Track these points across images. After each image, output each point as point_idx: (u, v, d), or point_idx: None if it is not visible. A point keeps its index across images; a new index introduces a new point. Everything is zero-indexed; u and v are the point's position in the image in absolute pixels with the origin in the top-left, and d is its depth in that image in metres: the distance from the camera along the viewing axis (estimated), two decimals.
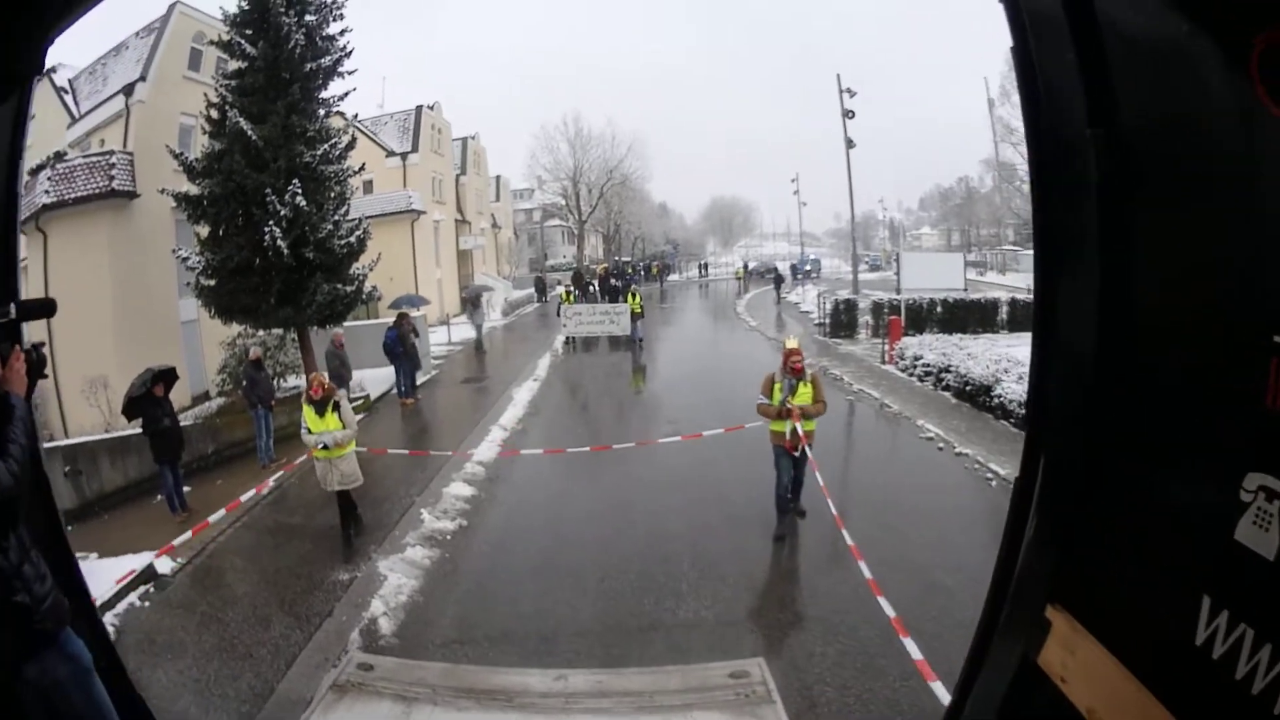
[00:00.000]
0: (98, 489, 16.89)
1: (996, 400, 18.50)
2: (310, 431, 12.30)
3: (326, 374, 19.78)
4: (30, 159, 28.58)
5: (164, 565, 12.04)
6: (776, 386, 11.86)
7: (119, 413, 20.68)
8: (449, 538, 13.22)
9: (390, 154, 48.91)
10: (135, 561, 11.84)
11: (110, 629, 9.70)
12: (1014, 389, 17.87)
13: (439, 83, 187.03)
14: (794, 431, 11.62)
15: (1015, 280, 58.74)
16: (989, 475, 14.64)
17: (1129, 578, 2.70)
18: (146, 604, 11.11)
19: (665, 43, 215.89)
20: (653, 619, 9.95)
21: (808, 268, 74.92)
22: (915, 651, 7.44)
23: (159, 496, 16.35)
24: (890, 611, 8.06)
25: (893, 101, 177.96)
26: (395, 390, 24.91)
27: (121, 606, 10.76)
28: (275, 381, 22.49)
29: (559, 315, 36.34)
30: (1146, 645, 2.55)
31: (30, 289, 26.25)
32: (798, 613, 10.02)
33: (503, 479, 16.48)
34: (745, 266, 76.42)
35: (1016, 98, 34.96)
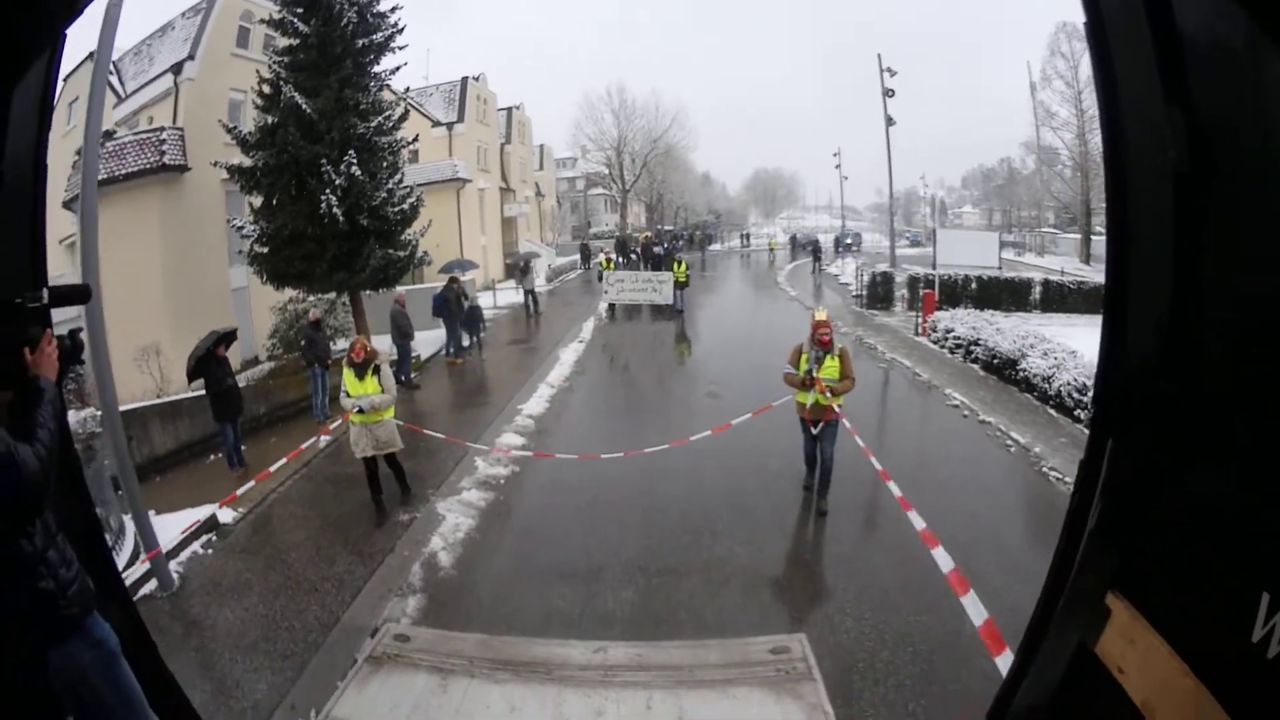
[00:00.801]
0: (148, 453, 17.25)
1: (1021, 374, 18.97)
2: (348, 395, 12.22)
3: (391, 332, 20.73)
4: (79, 140, 29.84)
5: (226, 515, 12.74)
6: (804, 357, 11.61)
7: (169, 378, 21.54)
8: (502, 482, 13.91)
9: (436, 124, 49.32)
10: (195, 515, 12.49)
11: (175, 576, 10.71)
12: (1038, 364, 18.35)
13: (483, 53, 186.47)
14: (815, 404, 11.49)
15: (1052, 262, 59.34)
16: (1009, 443, 15.25)
17: (1190, 570, 2.72)
18: (210, 551, 11.78)
19: (713, 13, 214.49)
20: (689, 555, 10.64)
21: (849, 241, 74.64)
22: (946, 561, 7.72)
23: (212, 456, 17.34)
24: (920, 524, 8.44)
25: (939, 79, 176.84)
26: (444, 351, 25.51)
27: (184, 555, 11.47)
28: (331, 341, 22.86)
29: (600, 282, 36.43)
30: (1204, 639, 2.60)
31: (80, 263, 27.54)
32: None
33: (550, 431, 17.24)
34: (792, 239, 76.11)
35: (1058, 83, 35.09)
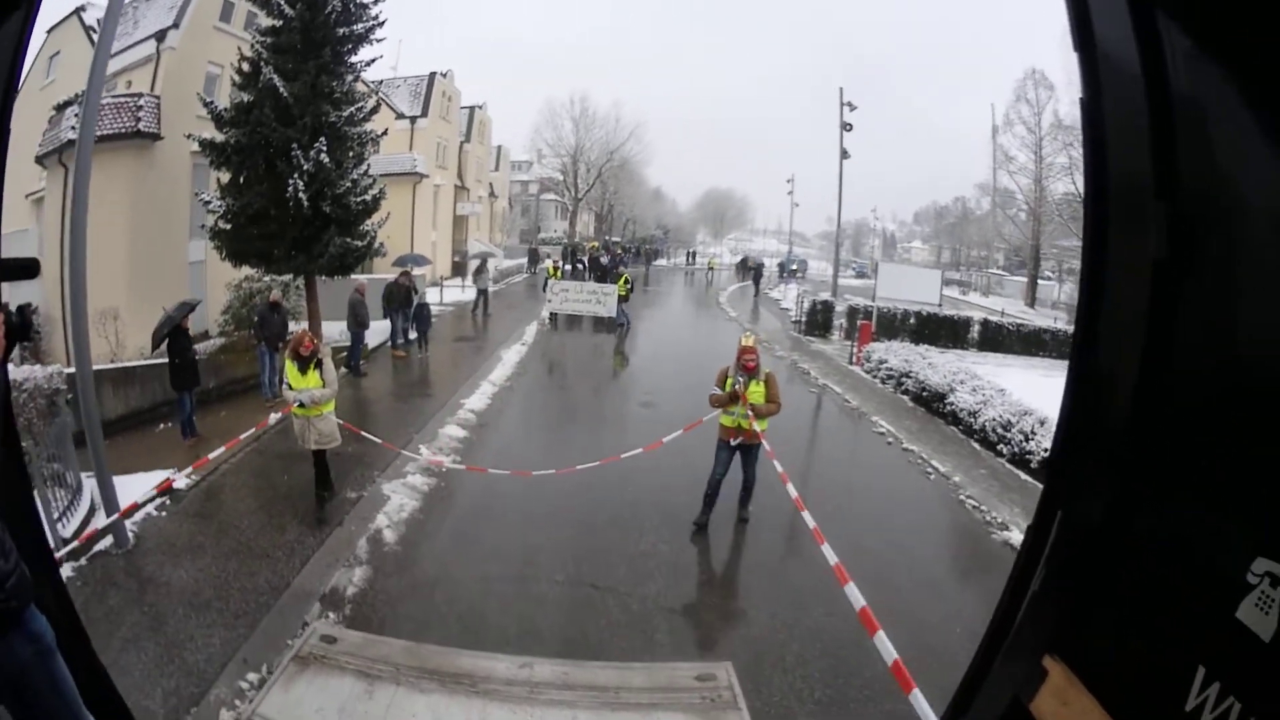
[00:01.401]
0: (99, 416, 17.40)
1: (949, 407, 19.72)
2: (290, 387, 12.06)
3: (347, 319, 21.17)
4: (56, 95, 29.53)
5: (179, 482, 12.95)
6: (729, 381, 11.79)
7: (124, 344, 21.83)
8: (443, 470, 14.41)
9: (400, 116, 49.48)
10: (148, 479, 12.83)
11: (130, 535, 11.07)
12: (966, 399, 19.12)
13: (452, 47, 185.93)
14: (738, 426, 11.62)
15: (997, 303, 60.48)
16: (929, 470, 15.98)
17: (1130, 638, 2.79)
18: (164, 514, 12.10)
19: (675, 32, 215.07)
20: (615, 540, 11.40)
21: (794, 267, 74.98)
22: (857, 598, 7.33)
23: (161, 425, 17.82)
24: (833, 559, 8.06)
25: (900, 109, 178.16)
26: (389, 342, 25.81)
27: (138, 516, 11.72)
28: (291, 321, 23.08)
29: (544, 290, 36.53)
30: (1138, 705, 2.67)
31: (49, 220, 27.57)
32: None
33: (490, 425, 17.88)
34: (742, 261, 76.60)
35: (1019, 128, 36.16)
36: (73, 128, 25.65)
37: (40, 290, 27.32)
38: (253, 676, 7.96)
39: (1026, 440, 16.48)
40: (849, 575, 7.21)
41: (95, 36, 30.17)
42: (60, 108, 27.77)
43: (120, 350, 22.59)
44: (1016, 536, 12.52)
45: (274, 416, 15.60)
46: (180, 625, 8.83)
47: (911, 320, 33.65)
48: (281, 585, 9.84)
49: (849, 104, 39.24)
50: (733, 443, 11.77)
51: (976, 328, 35.32)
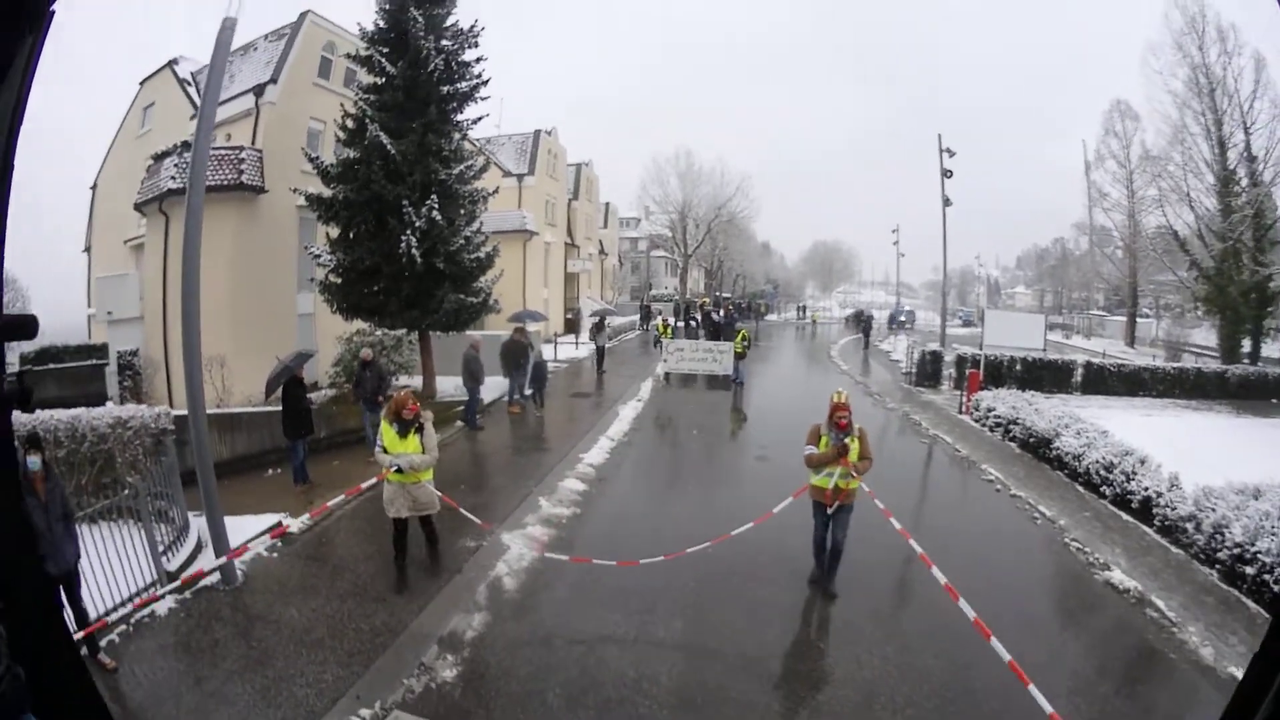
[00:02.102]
0: (211, 457, 17.85)
1: (1055, 452, 19.57)
2: (386, 451, 11.40)
3: (462, 375, 21.64)
4: (152, 144, 30.73)
5: (292, 526, 13.36)
6: (823, 439, 11.30)
7: (230, 390, 22.48)
8: (564, 521, 14.74)
9: (507, 174, 50.11)
10: (257, 521, 13.44)
11: (239, 574, 11.55)
12: (1071, 443, 18.95)
13: (553, 105, 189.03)
14: (836, 487, 11.15)
15: (1098, 345, 59.99)
16: (1036, 515, 15.97)
17: None
18: (274, 555, 12.58)
19: (777, 85, 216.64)
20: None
21: (902, 318, 75.27)
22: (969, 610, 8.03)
23: (270, 470, 18.40)
24: (971, 613, 8.32)
25: (999, 151, 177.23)
26: (507, 398, 25.85)
27: (248, 555, 12.14)
28: (391, 378, 22.92)
29: (655, 347, 36.79)
30: None
31: (149, 266, 28.98)
32: None
33: (609, 479, 18.00)
34: (858, 314, 75.80)
35: (1109, 163, 35.99)
36: (173, 177, 26.89)
37: (141, 334, 28.18)
38: (365, 713, 8.23)
39: (1128, 480, 16.32)
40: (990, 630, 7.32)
41: (191, 90, 31.72)
42: (159, 157, 28.71)
43: (227, 396, 23.19)
44: (1117, 576, 12.75)
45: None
46: (290, 661, 9.16)
47: (1018, 367, 33.46)
48: (399, 627, 10.09)
49: (948, 150, 39.01)
50: (829, 507, 11.34)
51: (1080, 371, 35.04)
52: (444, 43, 25.21)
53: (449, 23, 25.59)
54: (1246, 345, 43.88)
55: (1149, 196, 49.35)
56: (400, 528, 11.85)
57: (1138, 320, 64.94)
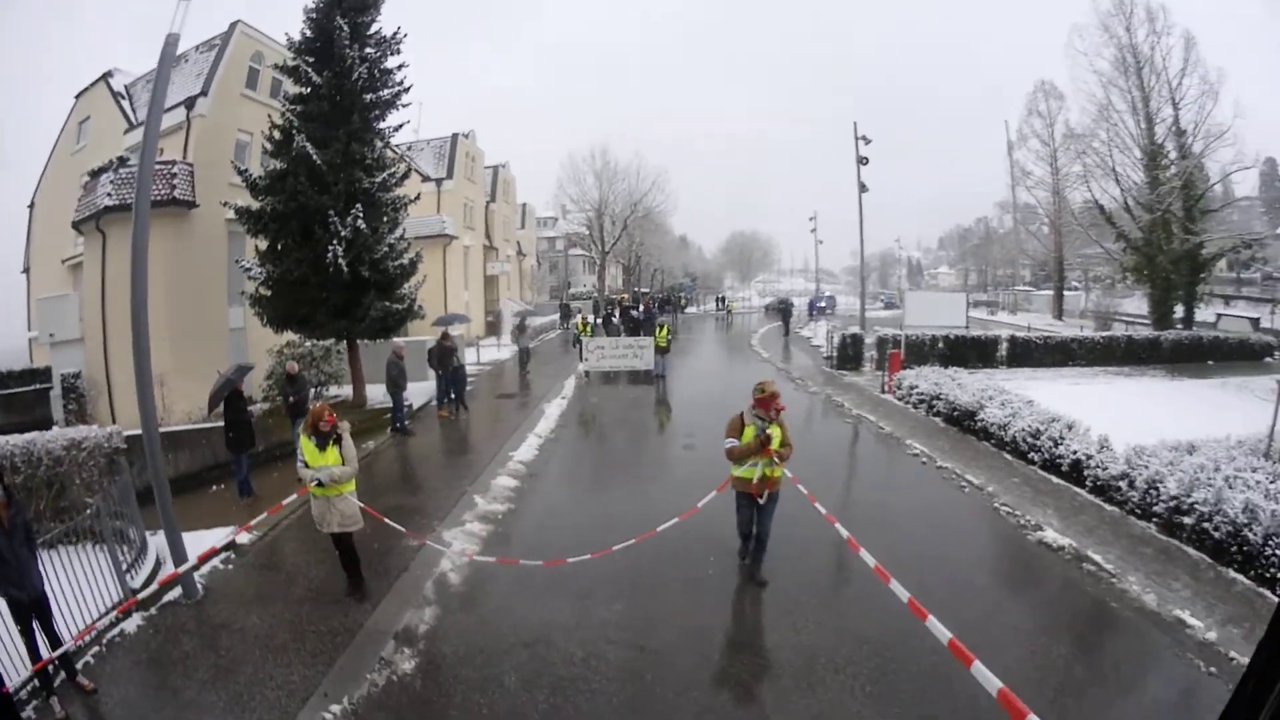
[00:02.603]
0: (145, 479, 18.00)
1: (980, 424, 20.29)
2: (307, 465, 11.24)
3: (386, 382, 21.94)
4: (88, 160, 30.53)
5: (242, 538, 13.72)
6: (747, 429, 11.18)
7: (170, 408, 22.50)
8: (500, 516, 15.17)
9: (426, 179, 50.35)
10: (210, 535, 13.50)
11: (199, 587, 11.84)
12: (996, 414, 19.69)
13: (469, 105, 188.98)
14: (763, 476, 11.12)
15: (1024, 319, 60.99)
16: (964, 484, 16.64)
17: None
18: (229, 567, 12.84)
19: (698, 81, 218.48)
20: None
21: (822, 304, 76.10)
22: (901, 592, 7.73)
23: (214, 487, 18.46)
24: (871, 561, 8.52)
25: (922, 138, 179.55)
26: (434, 401, 26.53)
27: (205, 569, 12.47)
28: (319, 389, 24.24)
29: (575, 345, 37.16)
30: None
31: (88, 284, 28.67)
32: None
33: (540, 475, 18.48)
34: (780, 304, 75.81)
35: (1034, 141, 37.19)
36: (109, 194, 26.98)
37: (82, 355, 28.11)
38: (335, 709, 8.56)
39: (1056, 445, 17.02)
40: (925, 609, 7.21)
41: (125, 104, 31.45)
42: (94, 174, 28.61)
43: (168, 414, 23.11)
44: (1050, 535, 13.41)
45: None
46: (258, 666, 9.45)
47: (940, 345, 34.23)
48: (355, 627, 10.45)
49: (864, 138, 39.55)
50: (759, 498, 11.31)
51: (1005, 345, 35.95)
52: (368, 50, 25.43)
53: (372, 30, 25.80)
54: (1180, 312, 45.06)
55: (1074, 173, 49.93)
56: (337, 542, 11.77)
57: (1064, 294, 66.74)
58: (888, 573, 8.06)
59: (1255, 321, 48.97)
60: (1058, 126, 54.84)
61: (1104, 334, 43.41)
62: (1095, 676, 9.11)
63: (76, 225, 29.60)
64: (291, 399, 19.93)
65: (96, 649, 10.16)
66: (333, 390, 27.12)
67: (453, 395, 26.40)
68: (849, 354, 36.11)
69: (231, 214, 25.40)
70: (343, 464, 11.21)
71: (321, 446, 11.20)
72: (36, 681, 9.03)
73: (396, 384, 23.21)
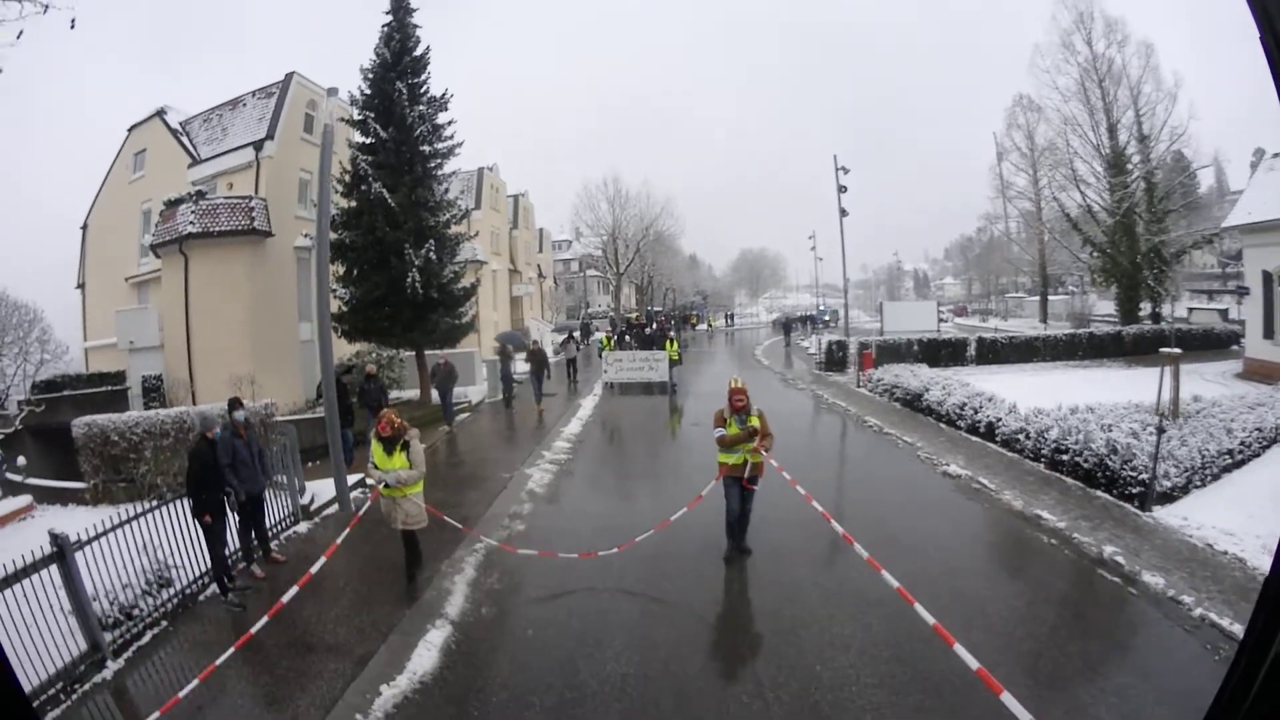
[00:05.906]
0: (339, 429, 18.99)
1: (924, 404, 25.46)
2: (376, 467, 11.90)
3: (433, 384, 26.56)
4: (147, 189, 34.65)
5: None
6: (729, 421, 12.26)
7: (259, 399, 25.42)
8: (563, 462, 20.78)
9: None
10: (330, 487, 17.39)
11: (352, 504, 16.21)
12: (936, 394, 24.82)
13: (486, 135, 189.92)
14: (747, 461, 12.14)
15: (1015, 325, 65.21)
16: (899, 443, 21.71)
17: None
18: (363, 495, 16.56)
19: (707, 103, 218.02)
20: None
21: (826, 318, 77.88)
22: (862, 551, 9.31)
23: (315, 462, 21.78)
24: (839, 529, 10.17)
25: (933, 148, 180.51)
26: (500, 398, 31.66)
27: (354, 493, 16.91)
28: (389, 392, 27.25)
29: (600, 358, 40.19)
30: None
31: (169, 301, 32.69)
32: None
33: (585, 443, 23.97)
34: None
35: (1015, 155, 47.85)
36: (191, 223, 30.27)
37: (162, 360, 32.19)
38: (457, 578, 12.37)
39: (976, 414, 21.78)
40: (880, 565, 9.04)
41: (185, 140, 35.09)
42: (170, 204, 31.67)
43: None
44: (954, 468, 18.12)
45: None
46: (399, 551, 12.67)
47: (915, 347, 37.97)
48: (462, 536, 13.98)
49: (844, 168, 43.16)
50: (745, 480, 12.31)
51: (973, 345, 39.87)
52: (420, 108, 29.92)
53: (423, 91, 30.62)
54: (1148, 309, 48.16)
55: (1052, 183, 52.61)
56: (407, 537, 12.51)
57: (1051, 299, 69.03)
58: (830, 514, 10.74)
59: (1224, 313, 50.44)
60: (1037, 138, 56.16)
61: (1067, 331, 46.32)
62: (968, 548, 13.11)
63: (154, 248, 32.67)
64: (368, 396, 23.14)
65: (277, 542, 14.51)
66: (395, 392, 30.88)
67: (501, 395, 31.31)
68: (835, 358, 40.11)
69: (300, 242, 30.01)
70: (410, 468, 11.81)
71: (389, 451, 11.87)
72: (242, 555, 13.02)
73: (443, 386, 26.87)
